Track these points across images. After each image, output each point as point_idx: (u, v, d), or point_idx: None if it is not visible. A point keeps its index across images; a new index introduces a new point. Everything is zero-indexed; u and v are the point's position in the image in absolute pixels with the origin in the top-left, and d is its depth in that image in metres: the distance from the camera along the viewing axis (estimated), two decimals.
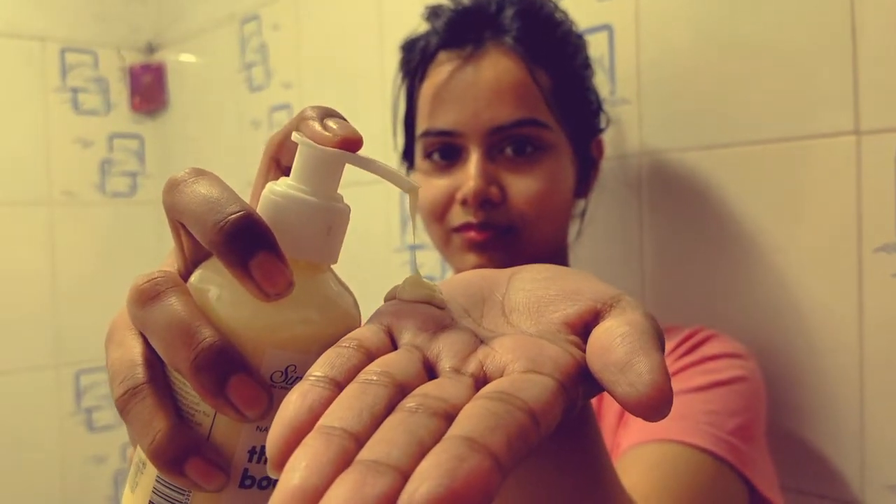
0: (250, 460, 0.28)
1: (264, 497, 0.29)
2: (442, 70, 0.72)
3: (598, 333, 0.26)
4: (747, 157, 0.78)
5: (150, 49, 1.77)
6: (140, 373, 0.28)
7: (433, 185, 0.72)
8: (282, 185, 0.29)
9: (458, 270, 0.72)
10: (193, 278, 0.29)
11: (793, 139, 0.74)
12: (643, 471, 0.58)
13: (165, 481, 0.29)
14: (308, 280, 0.28)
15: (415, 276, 0.30)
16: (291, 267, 0.26)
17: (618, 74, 0.88)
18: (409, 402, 0.22)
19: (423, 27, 0.77)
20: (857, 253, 0.71)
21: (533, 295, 0.29)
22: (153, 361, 0.29)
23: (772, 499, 0.64)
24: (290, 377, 0.28)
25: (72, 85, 1.68)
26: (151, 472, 0.29)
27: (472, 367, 0.25)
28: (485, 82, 0.70)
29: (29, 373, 1.61)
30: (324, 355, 0.25)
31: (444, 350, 0.26)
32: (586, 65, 0.78)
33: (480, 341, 0.26)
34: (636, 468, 0.58)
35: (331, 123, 0.29)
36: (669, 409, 0.23)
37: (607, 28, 0.88)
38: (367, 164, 0.29)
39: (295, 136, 0.29)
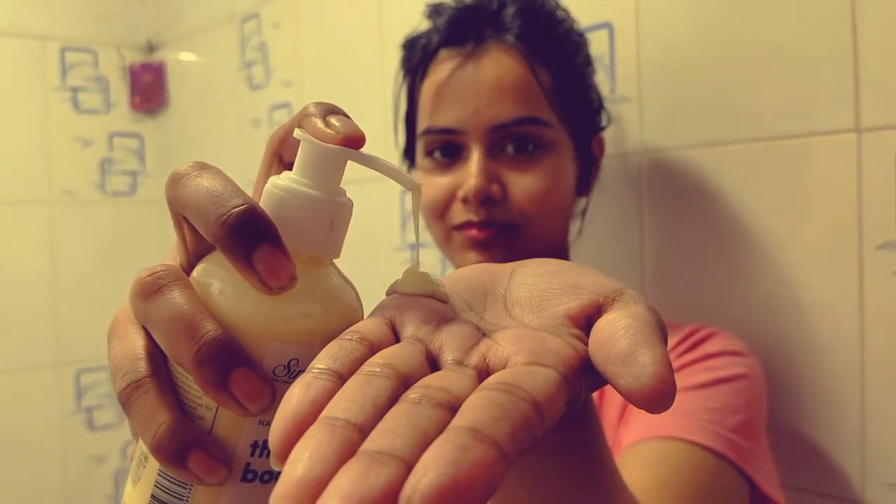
0: (252, 454, 0.28)
1: (266, 491, 0.29)
2: (443, 68, 0.72)
3: (601, 326, 0.26)
4: (748, 154, 0.78)
5: (150, 48, 1.77)
6: (142, 366, 0.28)
7: (434, 183, 0.72)
8: (284, 179, 0.29)
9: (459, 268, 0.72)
10: (196, 272, 0.29)
11: (793, 137, 0.74)
12: (644, 468, 0.58)
13: (167, 475, 0.29)
14: (310, 274, 0.28)
15: (414, 269, 0.30)
16: (294, 261, 0.26)
17: (618, 72, 0.88)
18: (413, 394, 0.22)
19: (424, 25, 0.77)
20: (858, 250, 0.71)
21: (535, 289, 0.29)
22: (155, 355, 0.29)
23: (773, 496, 0.64)
24: (293, 371, 0.28)
25: (72, 84, 1.68)
26: (153, 465, 0.29)
27: (474, 359, 0.25)
28: (486, 80, 0.70)
29: (29, 372, 1.61)
30: (326, 348, 0.25)
31: (447, 343, 0.26)
32: (587, 63, 0.78)
33: (483, 334, 0.26)
34: (637, 465, 0.59)
35: (333, 121, 0.29)
36: (672, 401, 0.23)
37: (607, 26, 0.88)
38: (370, 162, 0.29)
39: (297, 133, 0.29)
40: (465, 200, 0.70)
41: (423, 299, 0.29)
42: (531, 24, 0.72)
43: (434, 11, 0.76)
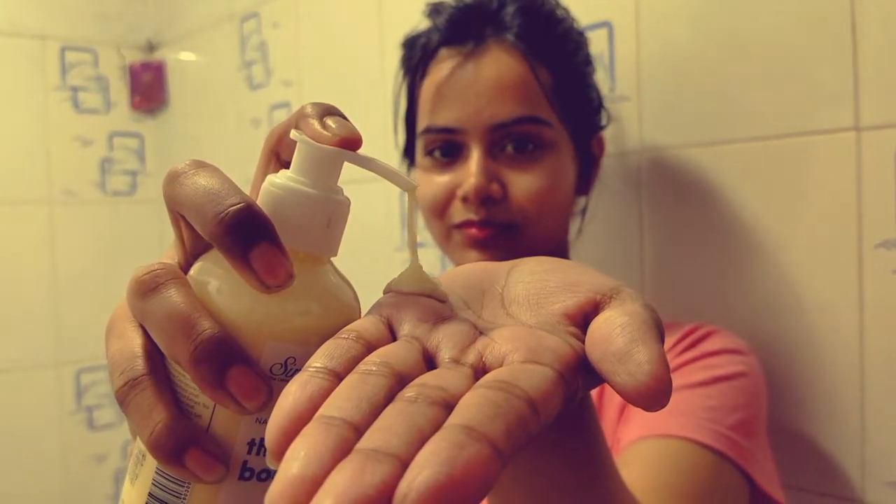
0: (249, 452, 0.28)
1: (263, 489, 0.29)
2: (443, 67, 0.72)
3: (598, 324, 0.26)
4: (747, 153, 0.78)
5: (150, 47, 1.77)
6: (140, 364, 0.28)
7: (434, 182, 0.72)
8: (282, 178, 0.29)
9: None
10: (193, 270, 0.29)
11: (793, 135, 0.74)
12: (643, 466, 0.58)
13: (165, 473, 0.29)
14: (308, 272, 0.29)
15: (411, 268, 0.30)
16: (291, 259, 0.26)
17: (618, 71, 0.88)
18: (409, 392, 0.22)
19: (423, 24, 0.77)
20: (858, 249, 0.71)
21: (532, 287, 0.29)
22: (153, 353, 0.29)
23: (772, 494, 0.64)
24: (290, 369, 0.28)
25: (72, 83, 1.68)
26: (151, 463, 0.29)
27: (471, 357, 0.25)
28: (486, 79, 0.70)
29: (30, 371, 1.61)
30: (323, 346, 0.25)
31: (444, 341, 0.26)
32: (587, 62, 0.78)
33: (480, 332, 0.26)
34: (636, 463, 0.59)
35: (330, 122, 0.29)
36: (668, 399, 0.23)
37: (607, 25, 0.88)
38: (366, 163, 0.29)
39: (293, 135, 0.29)
40: (464, 199, 0.70)
41: (420, 298, 0.29)
42: (531, 23, 0.72)
43: (434, 10, 0.76)
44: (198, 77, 1.66)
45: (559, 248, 0.77)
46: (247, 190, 0.30)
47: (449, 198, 0.71)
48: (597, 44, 0.87)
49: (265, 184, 0.29)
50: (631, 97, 0.87)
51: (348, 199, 0.30)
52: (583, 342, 0.26)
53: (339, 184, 0.30)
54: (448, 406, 0.22)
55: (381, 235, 1.20)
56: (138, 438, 0.29)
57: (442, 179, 0.72)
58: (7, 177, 1.60)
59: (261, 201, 0.29)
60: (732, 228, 0.79)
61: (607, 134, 0.84)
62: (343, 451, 0.20)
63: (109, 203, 1.73)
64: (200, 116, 1.65)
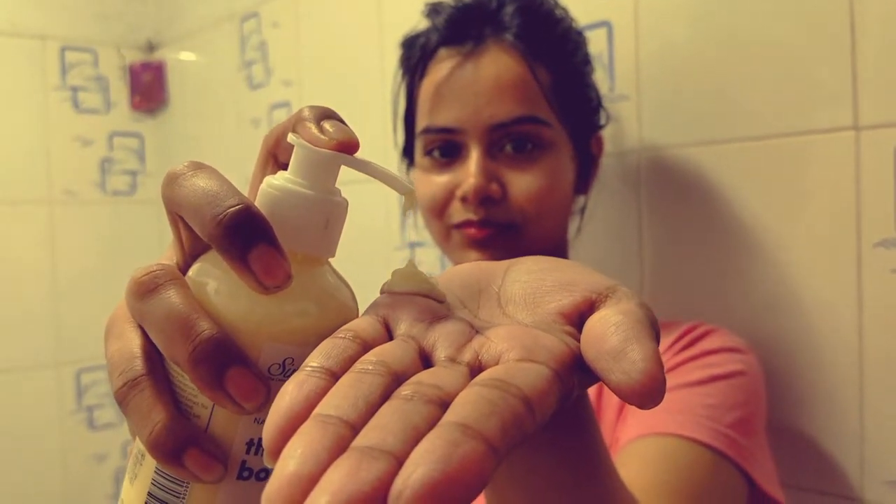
0: (248, 452, 0.28)
1: (262, 489, 0.29)
2: (442, 67, 0.72)
3: (593, 322, 0.26)
4: (746, 152, 0.78)
5: (150, 47, 1.77)
6: (139, 365, 0.28)
7: (433, 182, 0.72)
8: (279, 179, 0.29)
9: None
10: (192, 271, 0.29)
11: (792, 134, 0.74)
12: (642, 464, 0.58)
13: (164, 473, 0.29)
14: (306, 273, 0.29)
15: (408, 268, 0.30)
16: (289, 260, 0.26)
17: (617, 71, 0.88)
18: (405, 390, 0.22)
19: (423, 24, 0.77)
20: (857, 248, 0.71)
21: (529, 286, 0.29)
22: (152, 354, 0.29)
23: (771, 493, 0.64)
24: (288, 370, 0.28)
25: (72, 83, 1.68)
26: (150, 463, 0.29)
27: (467, 356, 0.25)
28: (485, 79, 0.70)
29: (30, 371, 1.61)
30: (320, 346, 0.25)
31: (440, 340, 0.26)
32: (586, 61, 0.78)
33: (476, 331, 0.27)
34: (635, 462, 0.59)
35: (328, 126, 0.29)
36: (662, 397, 0.23)
37: (606, 24, 0.88)
38: (363, 167, 0.29)
39: (291, 138, 0.29)
40: (464, 199, 0.70)
41: (416, 298, 0.29)
42: (530, 22, 0.72)
43: (433, 10, 0.76)
44: (198, 77, 1.66)
45: (558, 248, 0.77)
46: (245, 191, 0.30)
47: (448, 198, 0.71)
48: (596, 43, 0.87)
49: (263, 185, 0.29)
50: (630, 96, 0.87)
51: (346, 201, 0.30)
52: (578, 341, 0.26)
53: (338, 184, 0.30)
54: (444, 404, 0.22)
55: (380, 235, 1.20)
56: (137, 438, 0.30)
57: (441, 179, 0.72)
58: (7, 177, 1.60)
59: (259, 202, 0.29)
60: (731, 227, 0.79)
61: (606, 133, 0.84)
62: (339, 449, 0.20)
63: (109, 203, 1.73)
64: (200, 116, 1.65)
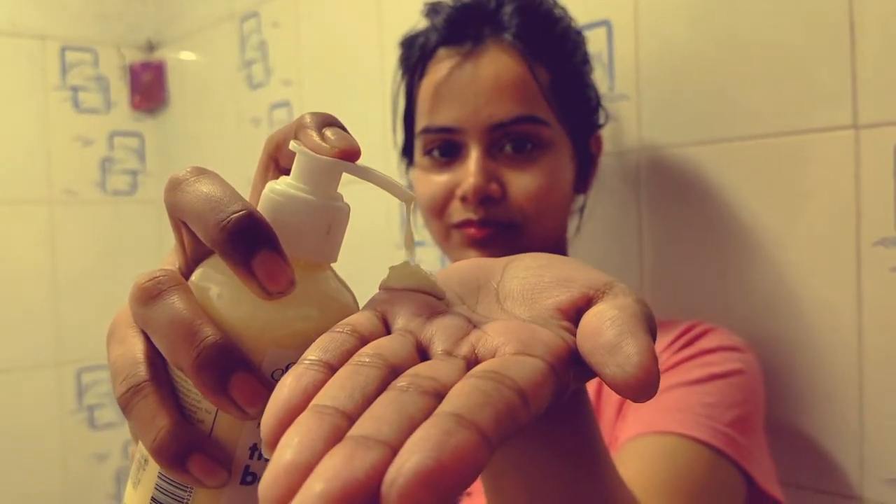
0: (252, 457, 0.29)
1: None
2: (441, 67, 0.72)
3: (589, 317, 0.26)
4: (746, 151, 0.78)
5: (150, 47, 1.77)
6: (142, 370, 0.29)
7: (433, 182, 0.72)
8: (282, 185, 0.29)
9: None
10: (195, 276, 0.29)
11: (791, 133, 0.75)
12: (641, 463, 0.58)
13: (168, 478, 0.29)
14: (308, 278, 0.29)
15: (404, 264, 0.30)
16: (292, 265, 0.26)
17: (616, 70, 0.88)
18: (401, 382, 0.23)
19: (422, 24, 0.77)
20: (856, 247, 0.71)
21: (527, 282, 0.29)
22: (155, 359, 0.29)
23: (770, 491, 0.64)
24: None
25: (72, 83, 1.68)
26: (154, 468, 0.29)
27: (464, 349, 0.25)
28: (484, 79, 0.70)
29: (30, 371, 1.61)
30: (318, 340, 0.25)
31: (437, 334, 0.26)
32: (585, 61, 0.78)
33: (473, 326, 0.27)
34: (634, 460, 0.59)
35: (329, 134, 0.29)
36: (656, 391, 0.23)
37: (606, 24, 0.88)
38: (365, 174, 0.29)
39: (293, 146, 0.29)
40: (463, 199, 0.70)
41: (414, 293, 0.29)
42: (529, 22, 0.72)
43: (432, 10, 0.76)
44: (198, 77, 1.66)
45: (558, 247, 0.77)
46: (246, 194, 0.30)
47: (448, 197, 0.71)
48: (596, 42, 0.87)
49: (265, 190, 0.29)
50: (630, 96, 0.87)
51: (348, 206, 0.30)
52: (575, 336, 0.26)
53: (340, 183, 0.30)
54: (439, 395, 0.22)
55: (380, 235, 1.20)
56: (140, 443, 0.30)
57: (441, 179, 0.72)
58: (7, 176, 1.60)
59: (261, 208, 0.29)
60: (731, 226, 0.79)
61: (606, 132, 0.84)
62: (335, 438, 0.20)
63: (110, 203, 1.73)
64: (200, 116, 1.65)
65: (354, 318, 0.27)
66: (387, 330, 0.27)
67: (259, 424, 0.28)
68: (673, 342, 0.71)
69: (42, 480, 1.61)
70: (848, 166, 0.71)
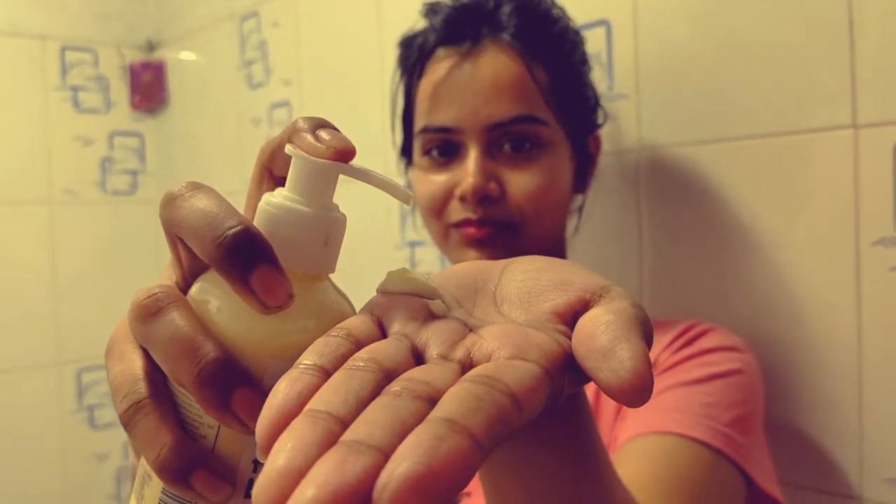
0: (255, 471, 0.29)
1: None
2: (440, 67, 0.72)
3: (584, 321, 0.26)
4: (745, 151, 0.78)
5: (150, 47, 1.77)
6: (142, 387, 0.29)
7: (431, 182, 0.73)
8: (278, 197, 0.29)
9: None
10: (193, 291, 0.29)
11: (790, 133, 0.75)
12: (640, 463, 0.58)
13: (171, 493, 0.29)
14: (307, 290, 0.29)
15: (401, 269, 0.30)
16: (290, 277, 0.27)
17: (616, 70, 0.88)
18: (395, 387, 0.23)
19: (421, 24, 0.77)
20: (855, 247, 0.71)
21: (524, 286, 0.29)
22: (154, 375, 0.29)
23: (769, 491, 0.64)
24: None
25: (72, 83, 1.68)
26: (157, 484, 0.29)
27: (459, 353, 0.25)
28: (483, 79, 0.70)
29: (30, 371, 1.61)
30: (313, 344, 0.25)
31: (433, 338, 0.26)
32: (583, 61, 0.78)
33: (469, 330, 0.27)
34: (633, 460, 0.59)
35: (323, 134, 0.29)
36: (650, 396, 0.23)
37: (605, 23, 0.88)
38: (362, 175, 0.29)
39: (288, 149, 0.29)
40: (462, 199, 0.70)
41: (410, 297, 0.29)
42: (527, 22, 0.72)
43: (430, 10, 0.76)
44: (198, 76, 1.66)
45: (557, 247, 0.77)
46: (241, 207, 0.30)
47: (447, 197, 0.71)
48: (595, 42, 0.87)
49: (261, 203, 0.29)
50: (629, 95, 0.87)
51: (344, 216, 0.30)
52: (571, 340, 0.26)
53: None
54: (432, 400, 0.22)
55: (380, 235, 1.20)
56: (143, 459, 0.30)
57: (439, 179, 0.72)
58: (7, 176, 1.60)
59: (258, 221, 0.29)
60: (730, 226, 0.79)
61: (605, 132, 0.84)
62: (329, 443, 0.20)
63: (110, 202, 1.73)
64: (200, 116, 1.65)
65: (350, 322, 0.27)
66: (382, 334, 0.27)
67: None
68: (672, 342, 0.71)
69: (42, 480, 1.61)
70: (847, 166, 0.71)
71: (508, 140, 0.70)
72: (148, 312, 0.28)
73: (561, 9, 0.77)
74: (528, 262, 0.30)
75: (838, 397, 0.73)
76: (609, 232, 0.90)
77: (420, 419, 0.21)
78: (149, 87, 1.73)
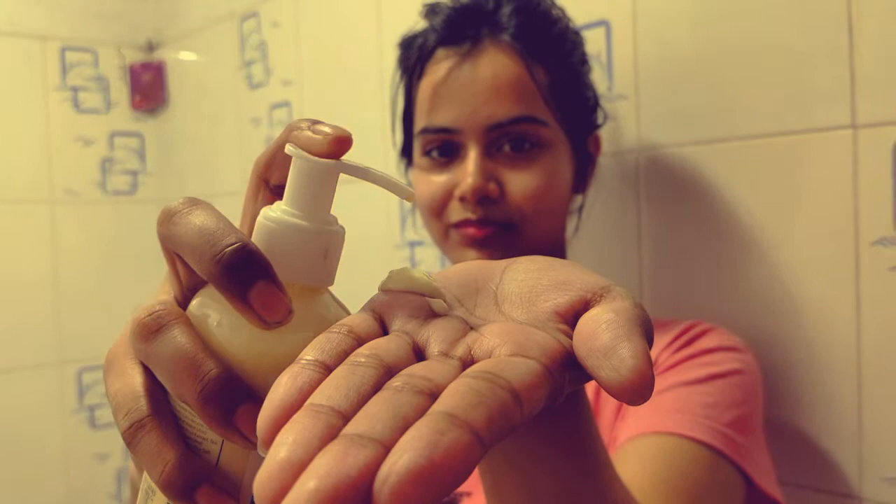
0: None
1: None
2: (440, 67, 0.72)
3: (585, 320, 0.26)
4: (744, 151, 0.78)
5: (150, 47, 1.77)
6: (143, 405, 0.29)
7: (431, 182, 0.73)
8: (276, 211, 0.29)
9: None
10: (193, 306, 0.29)
11: (790, 133, 0.75)
12: (640, 463, 0.58)
13: None
14: (306, 303, 0.29)
15: (402, 268, 0.30)
16: (289, 291, 0.27)
17: (615, 70, 0.88)
18: (396, 381, 0.23)
19: (421, 24, 0.77)
20: (855, 247, 0.71)
21: (525, 285, 0.29)
22: (155, 392, 0.29)
23: (769, 491, 0.64)
24: None
25: (72, 83, 1.68)
26: (161, 499, 0.29)
27: (460, 351, 0.25)
28: (482, 79, 0.70)
29: (31, 370, 1.62)
30: (315, 340, 0.26)
31: (434, 335, 0.26)
32: (583, 61, 0.78)
33: (470, 328, 0.27)
34: (633, 460, 0.59)
35: (320, 127, 0.29)
36: (650, 394, 0.23)
37: (604, 24, 0.89)
38: (363, 173, 0.29)
39: (288, 149, 0.29)
40: (462, 199, 0.70)
41: (412, 296, 0.29)
42: (527, 23, 0.72)
43: (430, 11, 0.76)
44: (198, 77, 1.66)
45: (556, 247, 0.77)
46: (237, 221, 0.30)
47: (447, 197, 0.72)
48: (594, 43, 0.87)
49: (260, 217, 0.29)
50: (629, 96, 0.87)
51: (343, 229, 0.30)
52: (572, 339, 0.26)
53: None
54: (433, 395, 0.22)
55: (380, 234, 1.20)
56: (146, 474, 0.30)
57: (439, 179, 0.72)
58: (8, 176, 1.60)
59: (256, 236, 0.29)
60: (730, 226, 0.80)
61: (605, 132, 0.84)
62: (330, 437, 0.20)
63: (110, 203, 1.73)
64: (200, 116, 1.65)
65: (351, 319, 0.27)
66: (383, 331, 0.28)
67: None
68: (672, 342, 0.71)
69: (43, 480, 1.61)
70: (846, 166, 0.71)
71: (508, 140, 0.70)
72: (149, 330, 0.28)
73: (561, 9, 0.77)
74: (528, 262, 0.31)
75: (837, 397, 0.73)
76: (609, 232, 0.90)
77: (421, 414, 0.21)
78: (149, 87, 1.73)
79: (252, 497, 0.28)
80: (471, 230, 0.70)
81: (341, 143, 0.28)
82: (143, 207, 1.76)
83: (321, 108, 1.31)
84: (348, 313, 0.31)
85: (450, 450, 0.19)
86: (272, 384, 0.27)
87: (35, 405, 1.62)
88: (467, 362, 0.25)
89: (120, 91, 1.74)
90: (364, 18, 1.22)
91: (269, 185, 0.33)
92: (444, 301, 0.29)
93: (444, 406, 0.21)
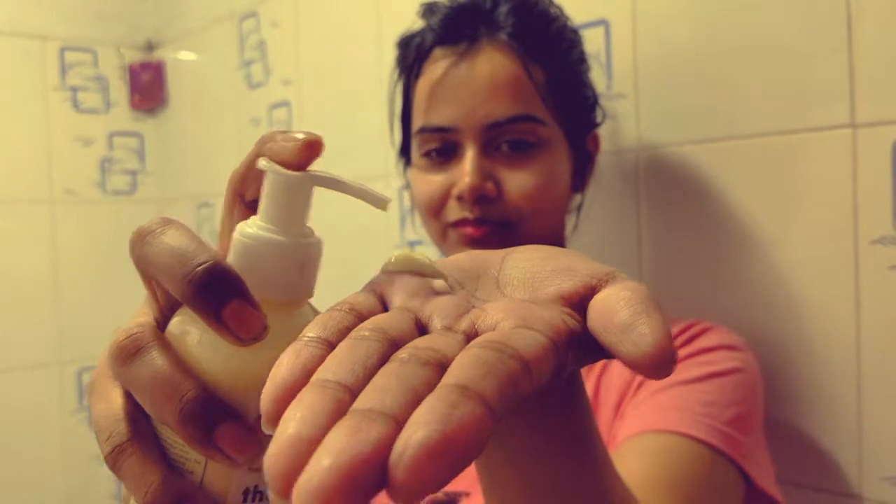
0: (245, 501, 0.29)
1: None
2: (437, 66, 0.72)
3: (600, 299, 0.26)
4: (744, 150, 0.78)
5: (150, 47, 1.77)
6: (123, 428, 0.29)
7: (430, 181, 0.73)
8: (252, 227, 0.29)
9: None
10: (171, 325, 0.29)
11: (789, 132, 0.75)
12: (639, 461, 0.58)
13: None
14: (285, 317, 0.29)
15: (404, 251, 0.30)
16: (267, 306, 0.27)
17: (614, 69, 0.88)
18: (402, 354, 0.22)
19: (419, 24, 0.77)
20: (854, 245, 0.71)
21: (528, 271, 0.29)
22: (136, 415, 0.29)
23: (768, 490, 0.64)
24: None
25: (71, 83, 1.68)
26: None
27: (464, 325, 0.25)
28: (480, 79, 0.70)
29: (31, 371, 1.62)
30: (316, 318, 0.25)
31: (436, 312, 0.26)
32: (581, 60, 0.78)
33: (473, 306, 0.27)
34: (632, 458, 0.59)
35: (291, 134, 0.29)
36: (672, 368, 0.23)
37: (604, 23, 0.89)
38: (336, 185, 0.29)
39: (261, 163, 0.29)
40: (459, 198, 0.70)
41: (413, 276, 0.29)
42: (525, 22, 0.72)
43: (428, 10, 0.76)
44: (197, 76, 1.66)
45: (555, 245, 0.77)
46: (214, 239, 0.30)
47: (444, 197, 0.72)
48: (594, 41, 0.87)
49: (236, 234, 0.29)
50: (628, 94, 0.87)
51: (320, 240, 0.30)
52: (577, 322, 0.26)
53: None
54: (441, 366, 0.22)
55: (380, 233, 1.20)
56: (133, 498, 0.30)
57: (437, 178, 0.72)
58: (7, 176, 1.60)
59: (233, 252, 0.29)
60: (729, 225, 0.80)
61: (604, 131, 0.84)
62: (338, 412, 0.20)
63: (110, 202, 1.73)
64: (200, 116, 1.65)
65: (353, 297, 0.27)
66: (385, 309, 0.27)
67: (250, 468, 0.28)
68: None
69: (43, 480, 1.61)
70: (846, 165, 0.71)
71: (506, 139, 0.70)
72: (127, 354, 0.28)
73: (559, 8, 0.77)
74: (528, 251, 0.31)
75: (837, 396, 0.73)
76: (608, 231, 0.90)
77: (430, 385, 0.21)
78: (148, 87, 1.73)
79: None
80: (468, 229, 0.70)
81: (311, 146, 0.28)
82: (143, 207, 1.76)
83: (320, 107, 1.31)
84: None
85: (463, 422, 0.19)
86: (252, 400, 0.27)
87: (35, 405, 1.62)
88: (471, 335, 0.25)
89: (119, 91, 1.74)
90: (363, 18, 1.22)
91: (244, 199, 0.32)
92: (445, 282, 0.29)
93: (454, 378, 0.21)
